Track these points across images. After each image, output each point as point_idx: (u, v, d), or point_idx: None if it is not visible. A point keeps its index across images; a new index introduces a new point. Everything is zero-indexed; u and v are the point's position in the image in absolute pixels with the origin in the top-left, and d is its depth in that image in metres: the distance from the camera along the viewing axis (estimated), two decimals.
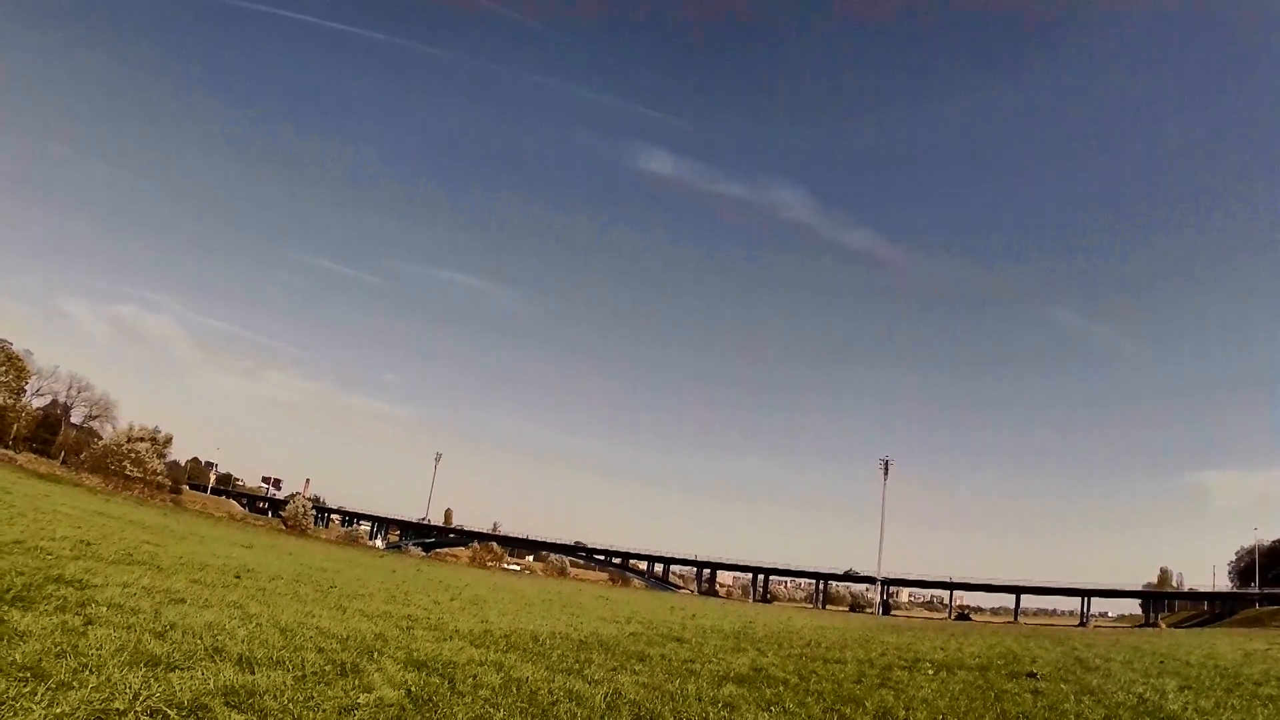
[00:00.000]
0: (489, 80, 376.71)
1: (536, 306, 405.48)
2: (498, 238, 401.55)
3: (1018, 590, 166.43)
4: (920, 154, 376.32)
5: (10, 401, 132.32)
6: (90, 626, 12.14)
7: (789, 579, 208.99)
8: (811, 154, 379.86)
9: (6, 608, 12.19)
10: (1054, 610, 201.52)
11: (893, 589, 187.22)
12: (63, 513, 41.25)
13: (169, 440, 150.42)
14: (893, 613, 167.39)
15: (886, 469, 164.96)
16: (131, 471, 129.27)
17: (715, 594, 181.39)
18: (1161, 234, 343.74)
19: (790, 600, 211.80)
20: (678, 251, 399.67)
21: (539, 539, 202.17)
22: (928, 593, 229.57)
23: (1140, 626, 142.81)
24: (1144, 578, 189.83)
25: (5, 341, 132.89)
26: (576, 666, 16.65)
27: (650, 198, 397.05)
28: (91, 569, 19.39)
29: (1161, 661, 29.72)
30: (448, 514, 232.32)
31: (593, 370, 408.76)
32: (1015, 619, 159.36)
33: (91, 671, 9.55)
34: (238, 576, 26.17)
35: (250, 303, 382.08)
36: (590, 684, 14.62)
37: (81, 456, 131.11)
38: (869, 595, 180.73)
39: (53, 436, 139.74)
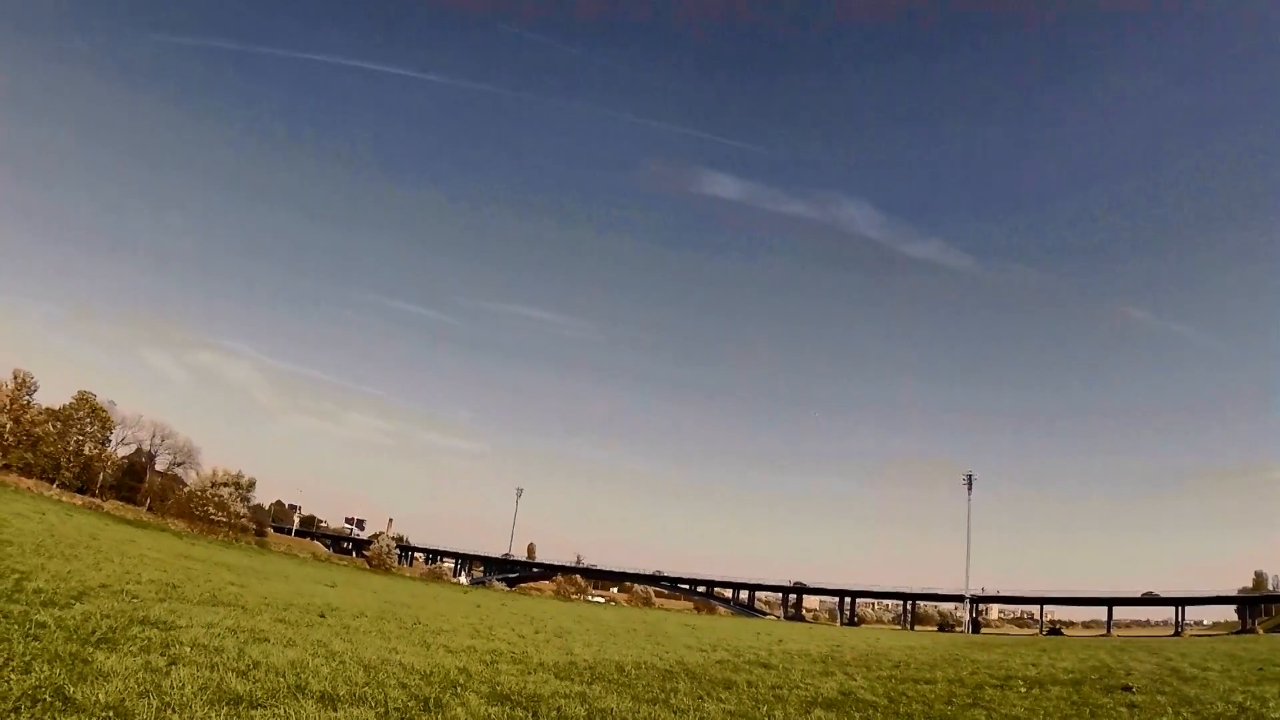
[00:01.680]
0: (549, 116, 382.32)
1: (606, 335, 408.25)
2: (566, 270, 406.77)
3: (1109, 602, 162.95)
4: (982, 162, 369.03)
5: (96, 450, 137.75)
6: (174, 666, 12.47)
7: (876, 600, 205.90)
8: (875, 168, 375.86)
9: (92, 649, 12.60)
10: (1147, 620, 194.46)
11: (982, 606, 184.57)
12: (149, 557, 42.63)
13: (252, 484, 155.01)
14: (982, 630, 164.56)
15: (970, 483, 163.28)
16: (216, 515, 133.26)
17: (802, 618, 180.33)
18: (1232, 230, 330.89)
19: (878, 622, 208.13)
20: (745, 274, 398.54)
21: (622, 570, 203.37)
22: (1017, 608, 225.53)
23: (1236, 633, 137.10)
24: (1239, 583, 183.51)
25: (90, 393, 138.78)
26: (662, 696, 16.56)
27: (716, 222, 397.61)
28: (176, 610, 19.98)
29: (1260, 668, 28.66)
30: (530, 548, 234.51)
31: (667, 396, 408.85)
32: (1108, 631, 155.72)
33: (174, 710, 9.81)
34: (322, 615, 26.70)
35: (326, 346, 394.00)
36: (676, 713, 14.53)
37: (167, 502, 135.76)
38: (958, 614, 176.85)
39: (138, 483, 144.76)
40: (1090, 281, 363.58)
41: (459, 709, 12.50)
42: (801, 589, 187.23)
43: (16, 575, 20.07)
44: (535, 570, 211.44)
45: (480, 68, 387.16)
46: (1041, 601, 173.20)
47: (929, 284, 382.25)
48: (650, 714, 14.09)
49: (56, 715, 8.85)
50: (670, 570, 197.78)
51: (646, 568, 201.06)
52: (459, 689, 14.50)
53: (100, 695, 9.81)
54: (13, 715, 8.59)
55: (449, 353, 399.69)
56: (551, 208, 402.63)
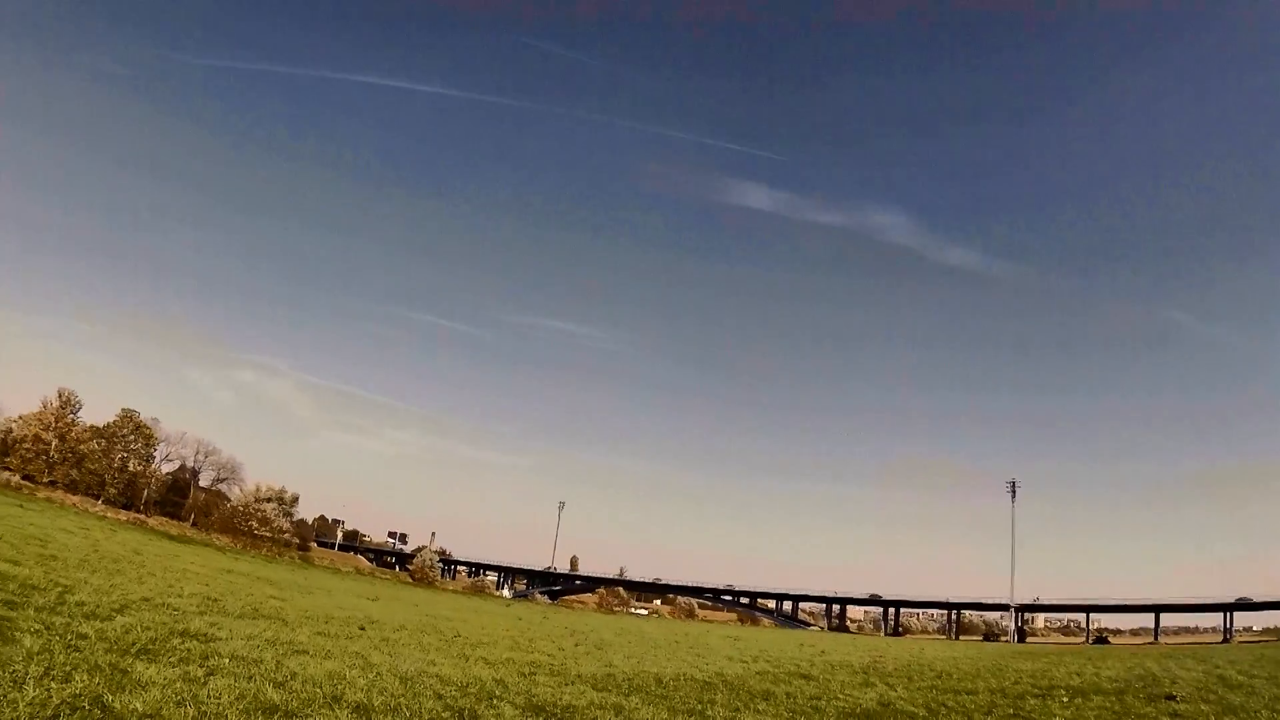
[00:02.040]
0: (576, 129, 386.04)
1: (641, 348, 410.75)
2: (600, 284, 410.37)
3: (1156, 609, 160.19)
4: (1014, 166, 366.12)
5: (140, 467, 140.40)
6: (212, 677, 12.72)
7: (920, 610, 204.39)
8: (907, 175, 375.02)
9: (131, 660, 12.89)
10: (1195, 628, 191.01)
11: (1027, 615, 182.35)
12: (191, 571, 43.35)
13: (295, 499, 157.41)
14: (1028, 639, 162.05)
15: (1014, 491, 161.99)
16: (259, 530, 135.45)
17: (845, 629, 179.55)
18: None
19: (923, 632, 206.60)
20: (778, 284, 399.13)
21: (665, 581, 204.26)
22: (1063, 617, 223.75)
23: None
24: None
25: (133, 410, 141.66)
26: (699, 707, 16.60)
27: (748, 232, 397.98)
28: (217, 623, 20.34)
29: None
30: (573, 560, 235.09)
31: (704, 408, 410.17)
32: (1155, 639, 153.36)
33: (210, 719, 10.03)
34: (362, 628, 27.02)
35: (366, 363, 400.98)
36: None
37: (210, 517, 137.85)
38: (1003, 623, 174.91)
39: (182, 499, 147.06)
40: (1128, 284, 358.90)
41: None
42: (844, 599, 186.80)
43: (60, 589, 20.53)
44: (578, 583, 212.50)
45: (505, 81, 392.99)
46: (1087, 609, 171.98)
47: (962, 290, 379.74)
48: None
49: None
50: (713, 582, 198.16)
51: (690, 580, 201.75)
52: (494, 700, 14.64)
53: (138, 704, 10.06)
54: None
55: (488, 367, 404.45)
56: (583, 222, 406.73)
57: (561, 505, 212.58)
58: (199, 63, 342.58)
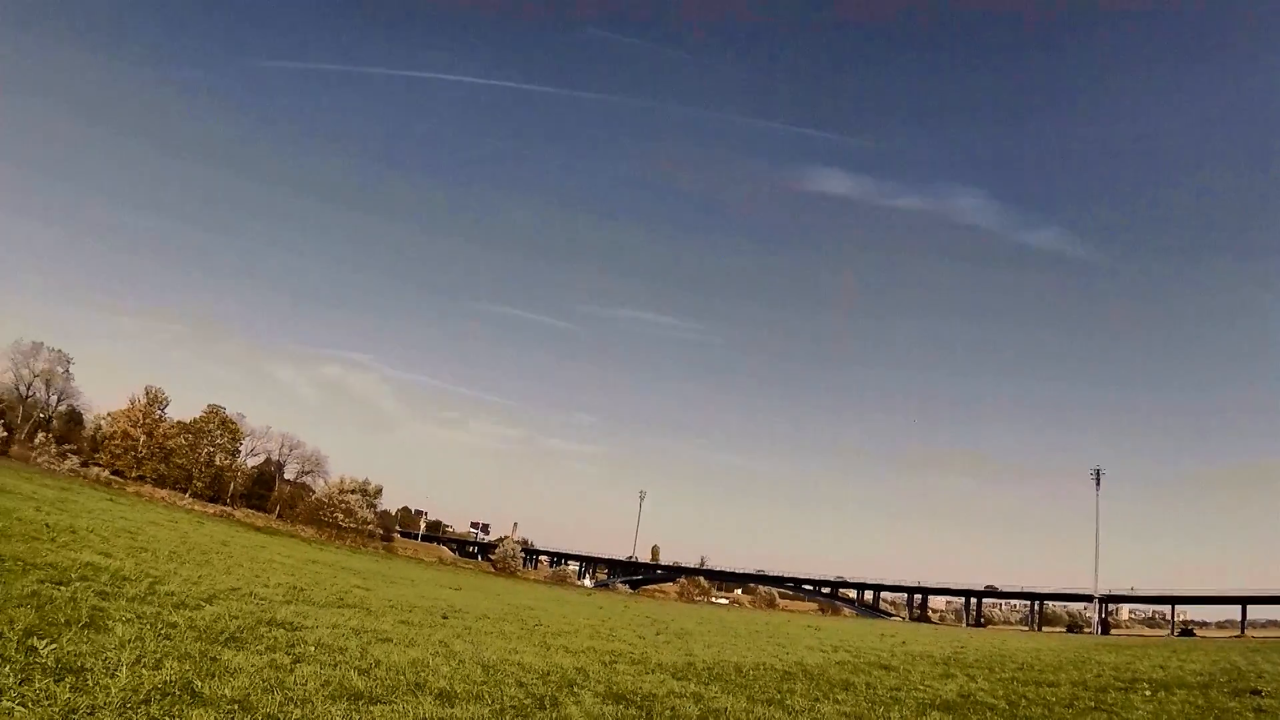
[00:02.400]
0: (654, 119, 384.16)
1: (721, 336, 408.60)
2: (679, 274, 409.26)
3: (1244, 600, 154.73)
4: (1102, 146, 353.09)
5: (227, 461, 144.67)
6: (298, 664, 13.07)
7: (1003, 601, 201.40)
8: (988, 156, 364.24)
9: (220, 648, 13.30)
10: None
11: (1111, 606, 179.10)
12: (277, 562, 44.54)
13: (379, 491, 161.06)
14: (1112, 631, 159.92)
15: (1098, 479, 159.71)
16: (344, 522, 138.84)
17: (927, 619, 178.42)
18: None
19: (1005, 623, 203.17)
20: (858, 268, 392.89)
21: (746, 571, 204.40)
22: (1148, 608, 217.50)
23: None
24: None
25: (219, 406, 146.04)
26: (778, 697, 16.58)
27: (826, 219, 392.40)
28: (302, 612, 20.86)
29: None
30: (654, 550, 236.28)
31: (787, 396, 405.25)
32: (1242, 632, 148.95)
33: (296, 705, 10.32)
34: (445, 617, 27.51)
35: (449, 356, 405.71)
36: (791, 714, 14.54)
37: (295, 509, 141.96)
38: (1087, 614, 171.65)
39: (267, 492, 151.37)
40: (1227, 269, 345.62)
41: (573, 707, 12.76)
42: (926, 589, 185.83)
43: (150, 579, 21.23)
44: (659, 572, 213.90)
45: (578, 74, 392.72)
46: (1173, 601, 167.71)
47: (1046, 273, 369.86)
48: (765, 714, 14.14)
49: (184, 708, 9.40)
50: (794, 571, 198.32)
51: (771, 569, 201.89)
52: (575, 688, 14.79)
53: (226, 690, 10.37)
54: (143, 707, 9.16)
55: (569, 359, 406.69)
56: (660, 212, 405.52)
57: (643, 495, 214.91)
58: (270, 64, 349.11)
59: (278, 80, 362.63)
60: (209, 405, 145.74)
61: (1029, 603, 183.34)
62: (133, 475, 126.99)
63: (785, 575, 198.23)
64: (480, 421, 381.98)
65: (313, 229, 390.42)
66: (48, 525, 30.40)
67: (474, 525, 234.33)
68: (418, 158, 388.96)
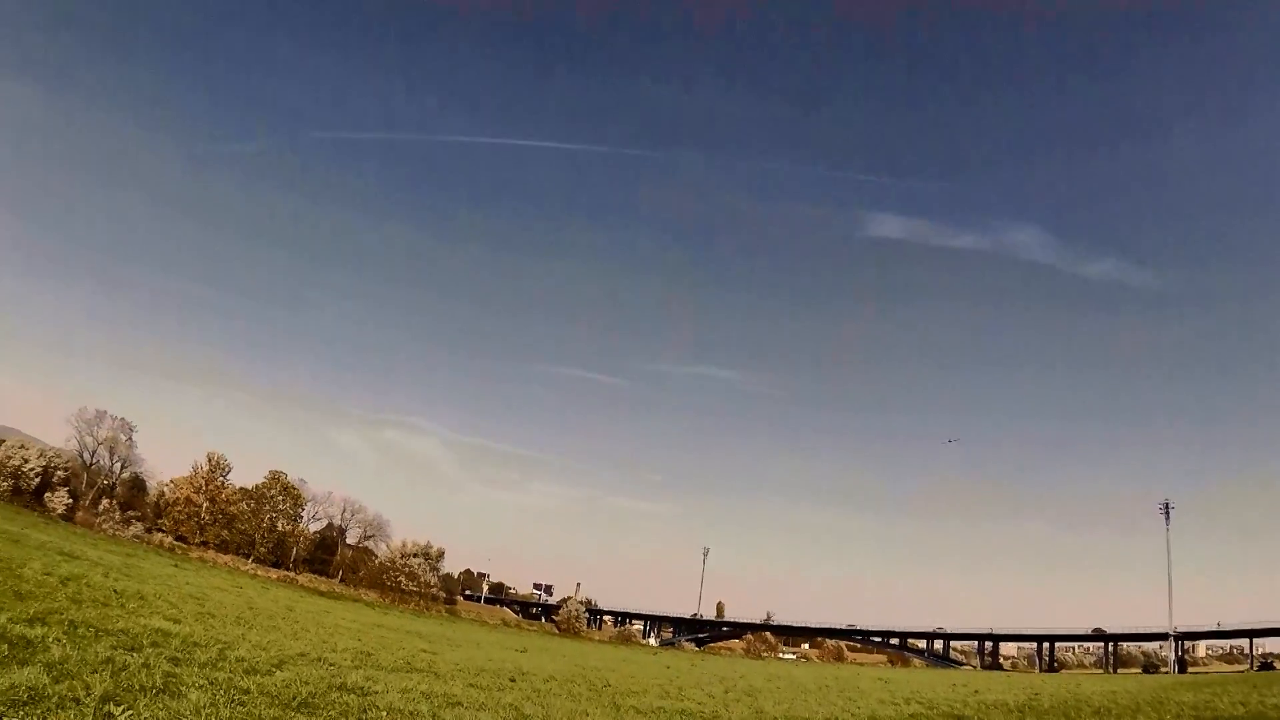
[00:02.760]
0: (707, 171, 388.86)
1: (783, 389, 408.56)
2: (738, 327, 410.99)
3: None
4: (1154, 173, 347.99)
5: (289, 527, 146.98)
6: None
7: (1075, 644, 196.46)
8: (1041, 189, 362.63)
9: (292, 714, 13.31)
10: None
11: (1188, 644, 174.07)
12: (343, 626, 44.76)
13: (441, 554, 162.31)
14: (1189, 669, 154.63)
15: (1168, 513, 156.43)
16: (407, 585, 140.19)
17: (999, 667, 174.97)
18: None
19: (1079, 666, 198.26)
20: (919, 315, 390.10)
21: (812, 625, 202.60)
22: (1226, 644, 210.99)
23: None
24: None
25: (281, 472, 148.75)
26: None
27: (882, 264, 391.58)
28: (372, 677, 20.84)
29: None
30: (719, 607, 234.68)
31: (850, 446, 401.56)
32: None
33: None
34: (513, 679, 27.34)
35: (506, 417, 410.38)
36: None
37: (358, 574, 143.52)
38: (1162, 653, 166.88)
39: (330, 556, 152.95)
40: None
41: None
42: (996, 636, 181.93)
43: (220, 645, 21.40)
44: (724, 629, 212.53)
45: (630, 130, 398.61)
46: (1251, 634, 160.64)
47: (1108, 305, 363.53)
48: None
49: None
50: (861, 623, 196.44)
51: (837, 622, 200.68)
52: None
53: None
54: None
55: (629, 416, 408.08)
56: (716, 265, 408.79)
57: (706, 551, 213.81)
58: (321, 135, 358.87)
59: (328, 151, 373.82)
60: (271, 471, 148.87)
61: (1103, 644, 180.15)
62: (196, 541, 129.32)
63: (852, 627, 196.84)
64: (540, 481, 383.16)
65: (368, 297, 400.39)
66: (116, 591, 30.88)
67: (537, 586, 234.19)
68: (469, 223, 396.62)
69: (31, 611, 18.85)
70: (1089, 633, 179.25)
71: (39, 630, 16.83)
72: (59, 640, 16.25)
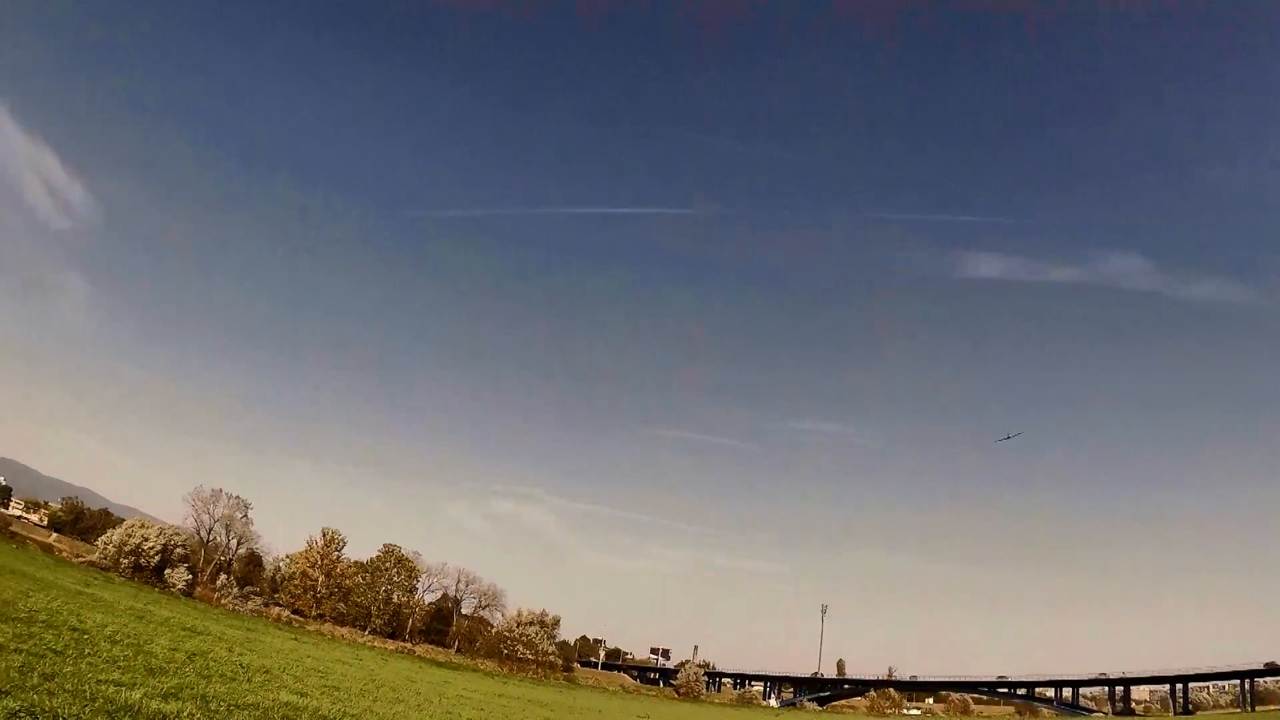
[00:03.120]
0: (790, 225, 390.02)
1: (887, 440, 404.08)
2: (840, 379, 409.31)
3: None
4: (1251, 192, 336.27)
5: (405, 598, 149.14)
6: None
7: (1210, 683, 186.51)
8: (1139, 217, 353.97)
9: None
10: None
11: None
12: (465, 697, 44.58)
13: (557, 621, 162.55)
14: None
15: None
16: (524, 654, 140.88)
17: (1131, 712, 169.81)
18: None
19: (1215, 706, 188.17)
20: (1021, 356, 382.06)
21: (934, 679, 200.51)
22: None
23: None
24: None
25: (395, 545, 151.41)
26: None
27: (983, 304, 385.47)
28: None
29: None
30: (840, 665, 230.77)
31: (965, 496, 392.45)
32: None
33: None
34: None
35: (616, 484, 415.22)
36: None
37: (475, 644, 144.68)
38: None
39: (445, 627, 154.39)
40: None
41: None
42: (1128, 680, 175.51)
43: (349, 718, 21.23)
44: (846, 687, 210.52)
45: (715, 191, 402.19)
46: None
47: (1215, 326, 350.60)
48: None
49: None
50: (986, 674, 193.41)
51: (961, 675, 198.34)
52: None
53: None
54: None
55: (739, 476, 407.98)
56: (812, 318, 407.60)
57: (824, 609, 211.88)
58: (427, 215, 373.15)
59: (432, 229, 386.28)
60: (385, 544, 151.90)
61: (1239, 682, 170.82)
62: (313, 614, 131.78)
63: (977, 679, 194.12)
64: (653, 545, 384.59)
65: (471, 373, 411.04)
66: (242, 665, 31.15)
67: (654, 651, 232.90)
68: (576, 293, 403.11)
69: (165, 687, 18.93)
70: (1223, 670, 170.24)
71: (174, 705, 16.85)
72: (193, 716, 16.22)
